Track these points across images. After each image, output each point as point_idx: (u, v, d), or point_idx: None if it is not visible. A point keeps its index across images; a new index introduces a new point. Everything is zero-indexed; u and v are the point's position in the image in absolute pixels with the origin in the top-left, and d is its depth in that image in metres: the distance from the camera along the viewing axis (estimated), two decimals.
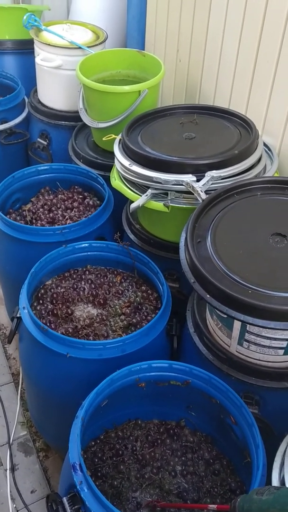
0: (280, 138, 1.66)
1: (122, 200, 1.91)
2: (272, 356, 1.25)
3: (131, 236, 1.77)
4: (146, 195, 1.48)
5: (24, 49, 2.73)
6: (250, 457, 1.19)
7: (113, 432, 1.44)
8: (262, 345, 1.22)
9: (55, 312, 1.54)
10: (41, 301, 1.60)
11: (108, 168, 2.02)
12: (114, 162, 1.75)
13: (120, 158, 1.59)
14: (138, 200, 1.48)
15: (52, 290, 1.63)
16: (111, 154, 2.08)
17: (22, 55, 2.79)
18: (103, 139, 1.70)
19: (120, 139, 1.66)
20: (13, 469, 1.83)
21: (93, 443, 1.42)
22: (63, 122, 2.41)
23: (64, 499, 1.08)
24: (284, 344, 1.21)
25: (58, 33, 2.30)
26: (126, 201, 1.92)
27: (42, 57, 2.28)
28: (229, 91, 1.89)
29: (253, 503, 0.90)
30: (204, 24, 1.97)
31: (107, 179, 1.92)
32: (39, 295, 1.62)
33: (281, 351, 1.23)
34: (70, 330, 1.49)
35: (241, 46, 1.76)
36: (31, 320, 1.42)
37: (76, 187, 2.07)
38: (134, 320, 1.53)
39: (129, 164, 1.54)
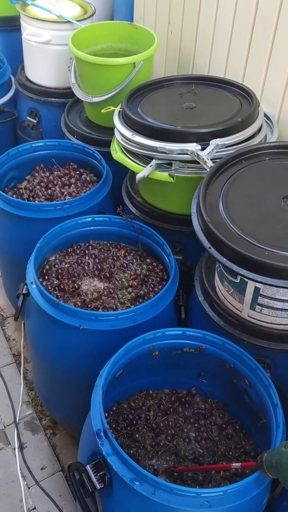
0: (279, 106, 1.67)
1: (118, 175, 1.90)
2: (284, 318, 1.27)
3: (133, 210, 1.77)
4: (151, 165, 1.47)
5: (8, 26, 2.66)
6: (267, 417, 1.21)
7: (125, 403, 1.45)
8: (275, 308, 1.24)
9: (61, 287, 1.54)
10: (46, 277, 1.59)
11: (103, 143, 2.01)
12: (108, 137, 1.74)
13: (122, 129, 1.57)
14: (144, 171, 1.47)
15: (57, 266, 1.62)
16: (105, 130, 2.08)
17: (6, 33, 2.72)
18: (102, 111, 1.68)
19: (120, 111, 1.64)
20: (21, 447, 1.84)
21: (106, 414, 1.42)
22: (53, 99, 2.37)
23: (88, 467, 1.09)
24: None
25: (46, 7, 2.25)
26: (124, 176, 1.91)
27: (30, 32, 2.23)
28: (224, 61, 1.88)
29: (283, 455, 0.92)
30: None
31: (103, 155, 1.90)
32: (44, 271, 1.60)
33: None
34: (79, 304, 1.48)
35: (237, 13, 1.75)
36: (40, 295, 1.41)
37: (71, 163, 2.04)
38: (141, 292, 1.53)
39: (132, 135, 1.53)
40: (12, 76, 2.55)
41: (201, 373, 1.43)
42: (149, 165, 1.47)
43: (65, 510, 1.67)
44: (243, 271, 1.10)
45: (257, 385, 1.25)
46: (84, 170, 2.02)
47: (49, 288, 1.55)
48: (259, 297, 1.23)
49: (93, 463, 1.09)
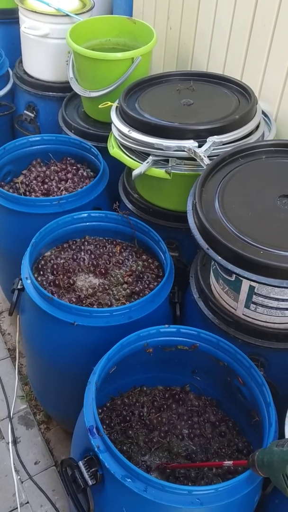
0: (277, 104, 1.66)
1: (115, 171, 1.89)
2: (279, 317, 1.27)
3: (129, 206, 1.76)
4: (147, 162, 1.47)
5: (6, 18, 2.64)
6: (259, 415, 1.22)
7: (119, 399, 1.45)
8: (270, 306, 1.24)
9: (56, 282, 1.53)
10: (41, 272, 1.58)
11: (100, 138, 2.00)
12: (106, 132, 1.72)
13: (119, 125, 1.57)
14: (140, 167, 1.46)
15: (52, 261, 1.61)
16: (103, 125, 2.07)
17: (4, 25, 2.69)
18: (99, 106, 1.67)
19: (117, 106, 1.63)
20: (15, 442, 1.84)
21: (100, 410, 1.43)
22: (50, 93, 2.35)
23: (80, 463, 1.09)
24: None
25: (44, 0, 2.23)
26: (121, 171, 1.90)
27: (28, 25, 2.21)
28: (223, 58, 1.87)
29: (274, 454, 0.92)
30: None
31: (100, 150, 1.90)
32: (39, 266, 1.60)
33: None
34: (74, 300, 1.48)
35: (237, 10, 1.74)
36: (35, 290, 1.41)
37: (68, 158, 2.03)
38: (137, 288, 1.53)
39: (128, 131, 1.52)
40: (10, 69, 2.53)
41: (195, 370, 1.43)
42: (146, 161, 1.47)
43: (58, 505, 1.68)
44: (238, 270, 1.10)
45: (250, 384, 1.25)
46: (81, 165, 2.01)
47: (44, 283, 1.55)
48: (254, 296, 1.23)
49: (85, 459, 1.09)
